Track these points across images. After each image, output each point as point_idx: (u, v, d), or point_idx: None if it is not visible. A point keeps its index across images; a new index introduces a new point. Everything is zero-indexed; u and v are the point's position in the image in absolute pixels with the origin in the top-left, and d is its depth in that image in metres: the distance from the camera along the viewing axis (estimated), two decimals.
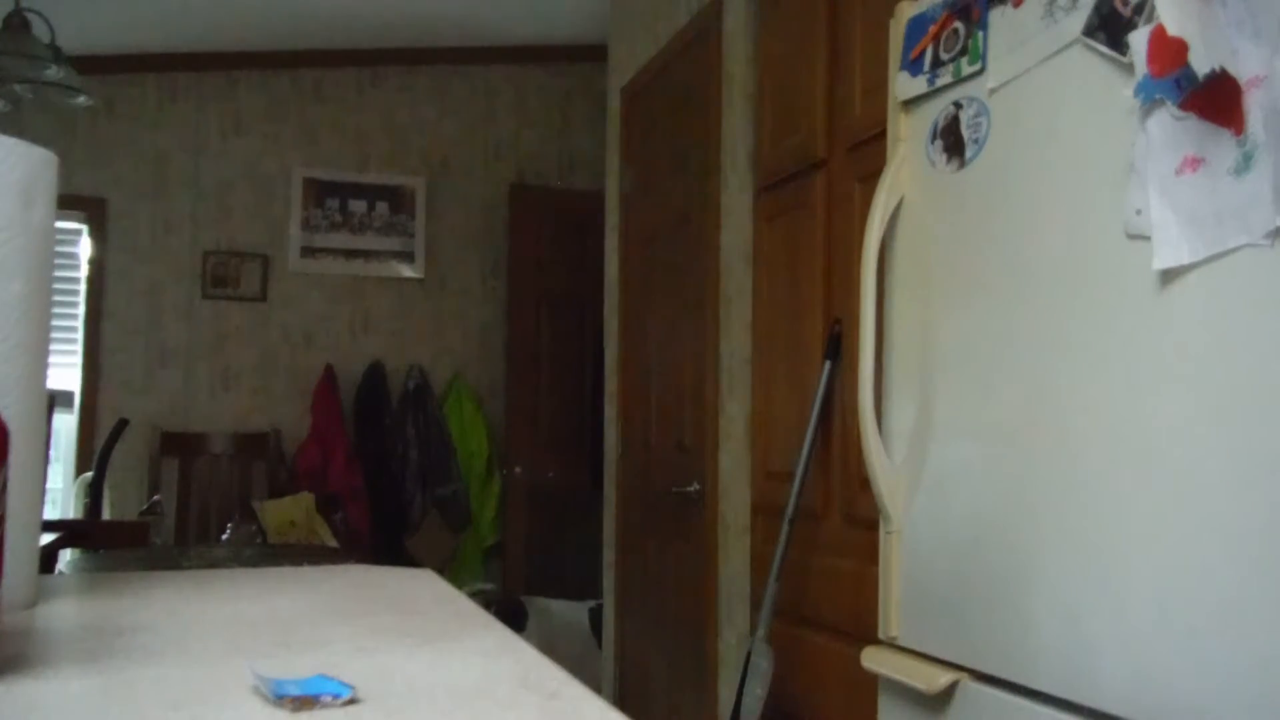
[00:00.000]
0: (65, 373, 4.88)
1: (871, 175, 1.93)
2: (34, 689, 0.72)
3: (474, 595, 4.02)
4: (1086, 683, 1.32)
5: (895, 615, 1.73)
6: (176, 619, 1.00)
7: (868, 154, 2.23)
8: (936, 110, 1.68)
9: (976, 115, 1.58)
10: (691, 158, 3.19)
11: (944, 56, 1.66)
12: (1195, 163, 1.18)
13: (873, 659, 1.76)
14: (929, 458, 1.66)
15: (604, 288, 4.00)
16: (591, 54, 4.80)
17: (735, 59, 2.92)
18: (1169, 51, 1.19)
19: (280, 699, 0.68)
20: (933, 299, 1.67)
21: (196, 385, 5.04)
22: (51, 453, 4.48)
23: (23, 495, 0.97)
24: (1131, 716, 1.25)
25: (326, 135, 5.28)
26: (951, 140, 1.63)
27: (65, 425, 4.84)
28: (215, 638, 0.91)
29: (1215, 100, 1.14)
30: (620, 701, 3.63)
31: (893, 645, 1.74)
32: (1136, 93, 1.25)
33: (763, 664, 2.38)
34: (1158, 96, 1.22)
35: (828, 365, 2.34)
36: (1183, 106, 1.19)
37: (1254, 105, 1.11)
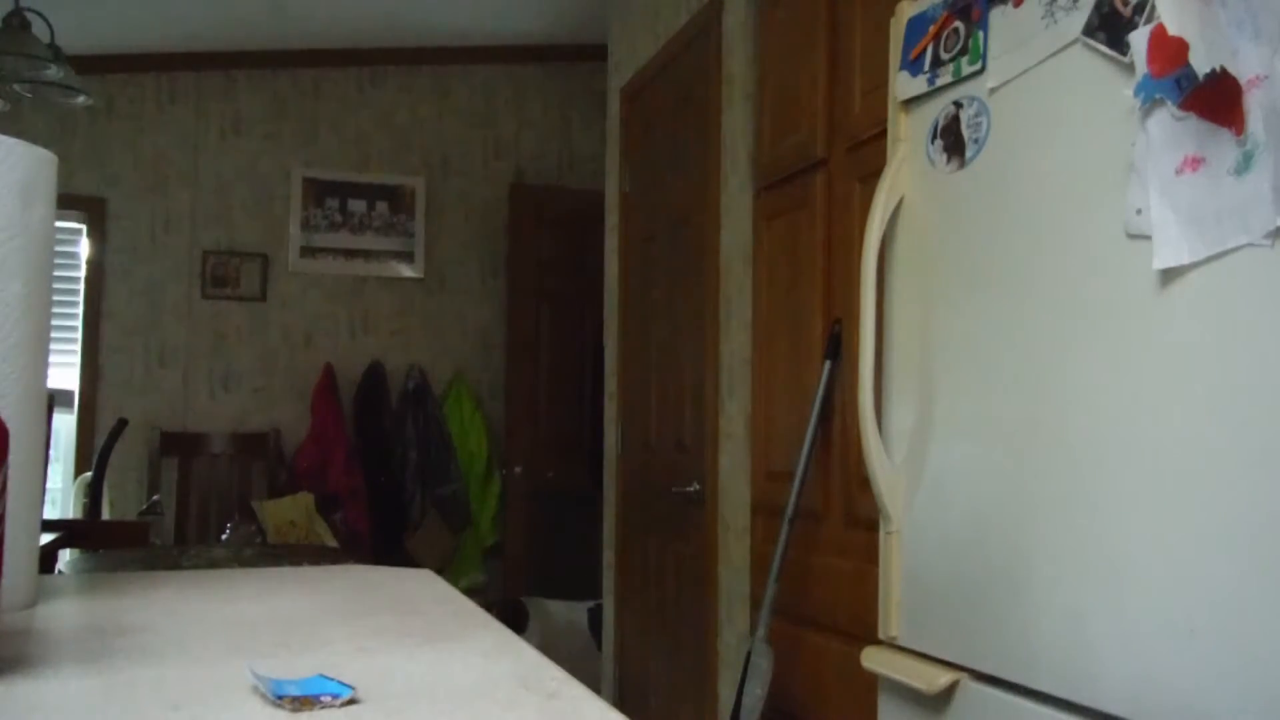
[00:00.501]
0: (65, 373, 4.88)
1: (871, 175, 1.93)
2: (34, 689, 0.72)
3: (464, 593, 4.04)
4: (1086, 683, 1.32)
5: (895, 615, 1.73)
6: (176, 619, 1.00)
7: (868, 154, 2.23)
8: (936, 110, 1.68)
9: (976, 115, 1.58)
10: (691, 158, 3.19)
11: (944, 56, 1.66)
12: (1195, 162, 1.18)
13: (873, 659, 1.76)
14: (929, 458, 1.66)
15: (604, 288, 4.00)
16: (591, 54, 4.80)
17: (735, 59, 2.92)
18: (1169, 51, 1.19)
19: (280, 699, 0.68)
20: (933, 299, 1.67)
21: (196, 385, 5.04)
22: (51, 453, 4.48)
23: (22, 495, 0.97)
24: (1131, 716, 1.24)
25: (326, 135, 5.28)
26: (951, 140, 1.63)
27: (65, 425, 4.84)
28: (215, 638, 0.91)
29: (1215, 100, 1.14)
30: (620, 701, 3.63)
31: (893, 645, 1.74)
32: (1136, 92, 1.25)
33: (763, 664, 2.38)
34: (1158, 96, 1.22)
35: (828, 365, 2.34)
36: (1183, 106, 1.19)
37: (1254, 105, 1.11)
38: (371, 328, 5.29)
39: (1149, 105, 1.24)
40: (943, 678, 1.57)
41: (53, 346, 1.31)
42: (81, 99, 3.58)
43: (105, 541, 3.40)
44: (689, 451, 3.14)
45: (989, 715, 1.49)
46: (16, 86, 3.48)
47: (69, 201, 4.70)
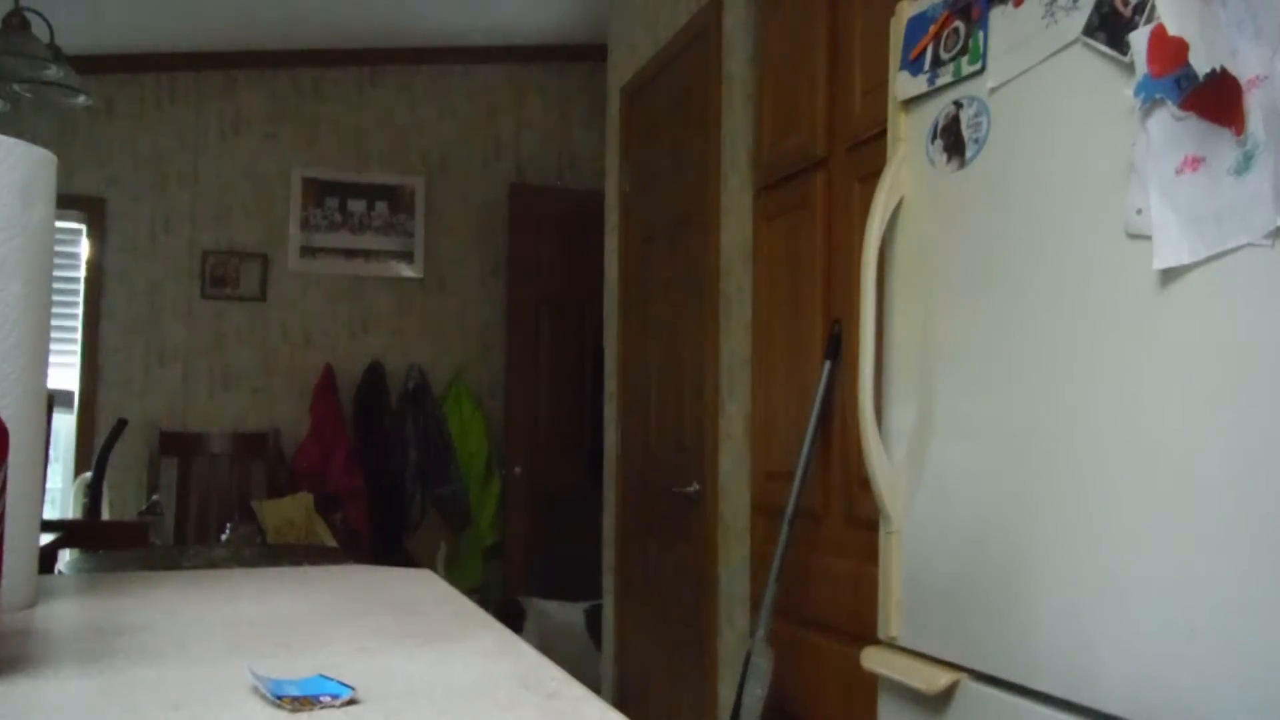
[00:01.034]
0: (65, 373, 4.88)
1: (871, 175, 1.93)
2: (34, 689, 0.72)
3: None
4: (1087, 683, 1.32)
5: (895, 615, 1.73)
6: (176, 619, 1.00)
7: (868, 154, 2.23)
8: (937, 110, 1.68)
9: (977, 115, 1.58)
10: (691, 157, 3.19)
11: (944, 56, 1.66)
12: (1195, 162, 1.18)
13: (873, 659, 1.76)
14: (929, 458, 1.66)
15: (604, 288, 4.00)
16: (591, 54, 4.80)
17: (735, 59, 2.92)
18: (1169, 51, 1.19)
19: (280, 699, 0.68)
20: (933, 299, 1.67)
21: (196, 385, 5.04)
22: (51, 453, 4.48)
23: (22, 495, 0.97)
24: (1131, 716, 1.24)
25: (326, 135, 5.28)
26: (952, 140, 1.63)
27: (65, 425, 4.84)
28: (215, 638, 0.91)
29: (1215, 100, 1.14)
30: (620, 701, 3.63)
31: (893, 645, 1.74)
32: (1137, 92, 1.25)
33: (763, 664, 2.38)
34: (1158, 96, 1.22)
35: (828, 365, 2.34)
36: (1183, 106, 1.19)
37: (1254, 105, 1.11)
38: (371, 328, 5.29)
39: (1149, 105, 1.24)
40: (943, 678, 1.57)
41: (53, 346, 1.32)
42: (81, 99, 3.58)
43: (105, 541, 3.40)
44: (689, 452, 3.14)
45: (989, 715, 1.49)
46: (16, 86, 3.48)
47: (69, 201, 4.70)
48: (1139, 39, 1.25)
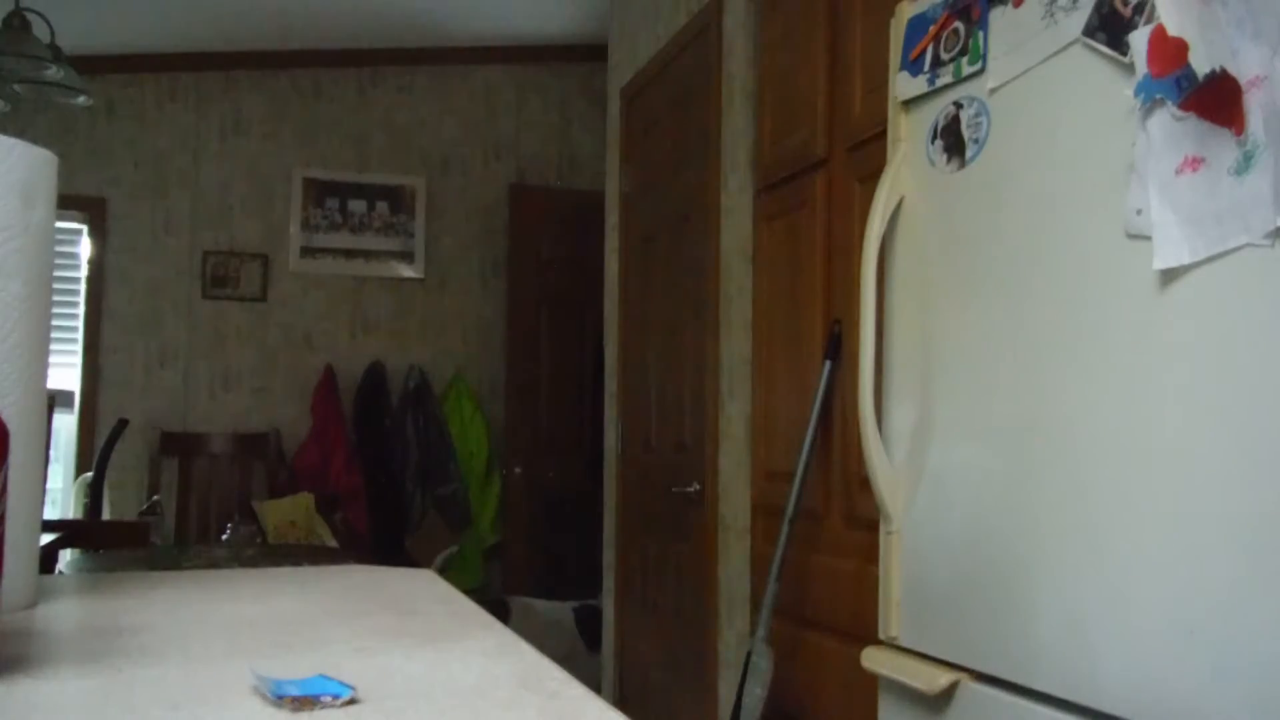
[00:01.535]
0: (65, 373, 4.88)
1: (871, 175, 1.93)
2: (34, 689, 0.72)
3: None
4: (1087, 683, 1.32)
5: (895, 615, 1.73)
6: (176, 619, 1.00)
7: (868, 154, 2.23)
8: (937, 110, 1.68)
9: (977, 115, 1.58)
10: (691, 158, 3.19)
11: (944, 56, 1.66)
12: (1195, 163, 1.18)
13: (873, 659, 1.76)
14: (929, 458, 1.66)
15: (604, 288, 4.00)
16: (591, 54, 4.80)
17: (735, 59, 2.92)
18: (1169, 51, 1.19)
19: (280, 699, 0.68)
20: (933, 299, 1.67)
21: (196, 385, 5.04)
22: (51, 453, 4.48)
23: (23, 495, 0.97)
24: (1131, 716, 1.24)
25: (326, 135, 5.28)
26: (952, 140, 1.63)
27: (65, 425, 4.84)
28: (215, 638, 0.91)
29: (1215, 100, 1.14)
30: (620, 701, 3.63)
31: (893, 645, 1.74)
32: (1137, 93, 1.25)
33: (763, 664, 2.38)
34: (1158, 96, 1.22)
35: (828, 365, 2.34)
36: (1183, 106, 1.19)
37: (1254, 105, 1.11)
38: (371, 328, 5.29)
39: (1149, 105, 1.24)
40: (943, 678, 1.57)
41: (53, 346, 1.32)
42: (81, 99, 3.58)
43: (105, 541, 3.40)
44: (689, 451, 3.14)
45: (989, 715, 1.49)
46: (16, 86, 3.48)
47: (69, 201, 4.70)
48: (1139, 39, 1.25)
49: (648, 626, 3.47)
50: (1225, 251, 1.15)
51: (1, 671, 0.75)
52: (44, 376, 1.05)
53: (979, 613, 1.52)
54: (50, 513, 4.51)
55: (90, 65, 4.23)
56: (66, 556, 3.19)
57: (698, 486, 3.03)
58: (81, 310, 4.93)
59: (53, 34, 3.37)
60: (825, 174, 2.45)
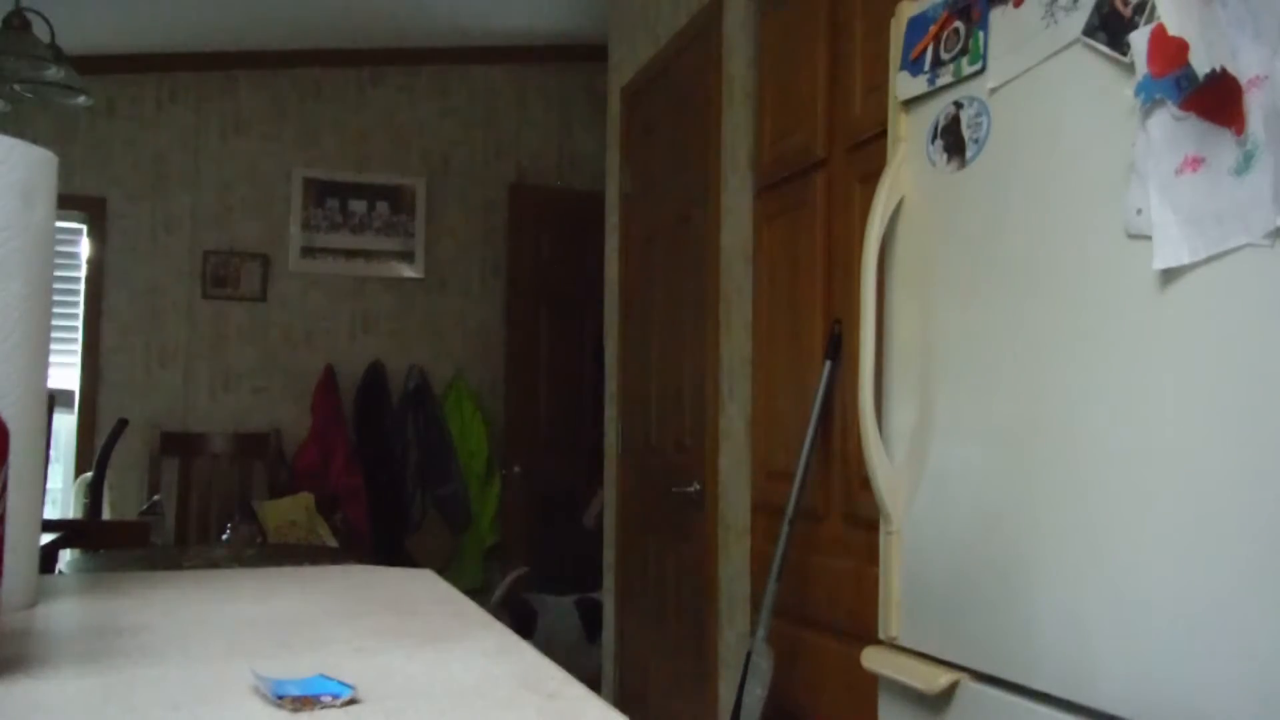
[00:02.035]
0: (65, 373, 4.88)
1: (871, 175, 1.93)
2: (34, 689, 0.72)
3: None
4: (1087, 683, 1.32)
5: (895, 615, 1.73)
6: (176, 619, 1.00)
7: (868, 154, 2.23)
8: (937, 110, 1.68)
9: (977, 115, 1.58)
10: (691, 158, 3.19)
11: (944, 56, 1.66)
12: (1196, 162, 1.18)
13: (873, 659, 1.76)
14: (929, 458, 1.66)
15: (604, 288, 4.00)
16: (591, 54, 4.80)
17: (735, 59, 2.92)
18: (1169, 51, 1.19)
19: (280, 699, 0.68)
20: (933, 299, 1.67)
21: (196, 385, 5.04)
22: (51, 453, 4.48)
23: (23, 495, 0.97)
24: (1131, 716, 1.25)
25: (326, 135, 5.28)
26: (952, 140, 1.63)
27: (65, 425, 4.84)
28: (215, 638, 0.91)
29: (1215, 100, 1.14)
30: (620, 701, 3.63)
31: (893, 645, 1.74)
32: (1137, 92, 1.25)
33: (763, 664, 2.38)
34: (1158, 96, 1.22)
35: (828, 365, 2.34)
36: (1183, 106, 1.19)
37: (1254, 105, 1.11)
38: (371, 328, 5.29)
39: (1149, 105, 1.24)
40: (943, 678, 1.57)
41: (53, 346, 1.32)
42: (81, 99, 3.58)
43: (105, 541, 3.40)
44: (689, 451, 3.14)
45: (989, 715, 1.49)
46: (16, 86, 3.48)
47: (69, 201, 4.70)
48: (1139, 39, 1.25)
49: (648, 626, 3.47)
50: (1225, 251, 1.15)
51: (1, 671, 0.75)
52: (44, 376, 1.05)
53: (979, 612, 1.52)
54: (50, 513, 4.51)
55: (90, 65, 4.23)
56: (66, 556, 3.19)
57: (698, 486, 3.03)
58: (81, 310, 4.93)
59: (53, 34, 3.37)
60: (825, 174, 2.45)
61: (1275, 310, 1.10)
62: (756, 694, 2.37)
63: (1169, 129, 1.21)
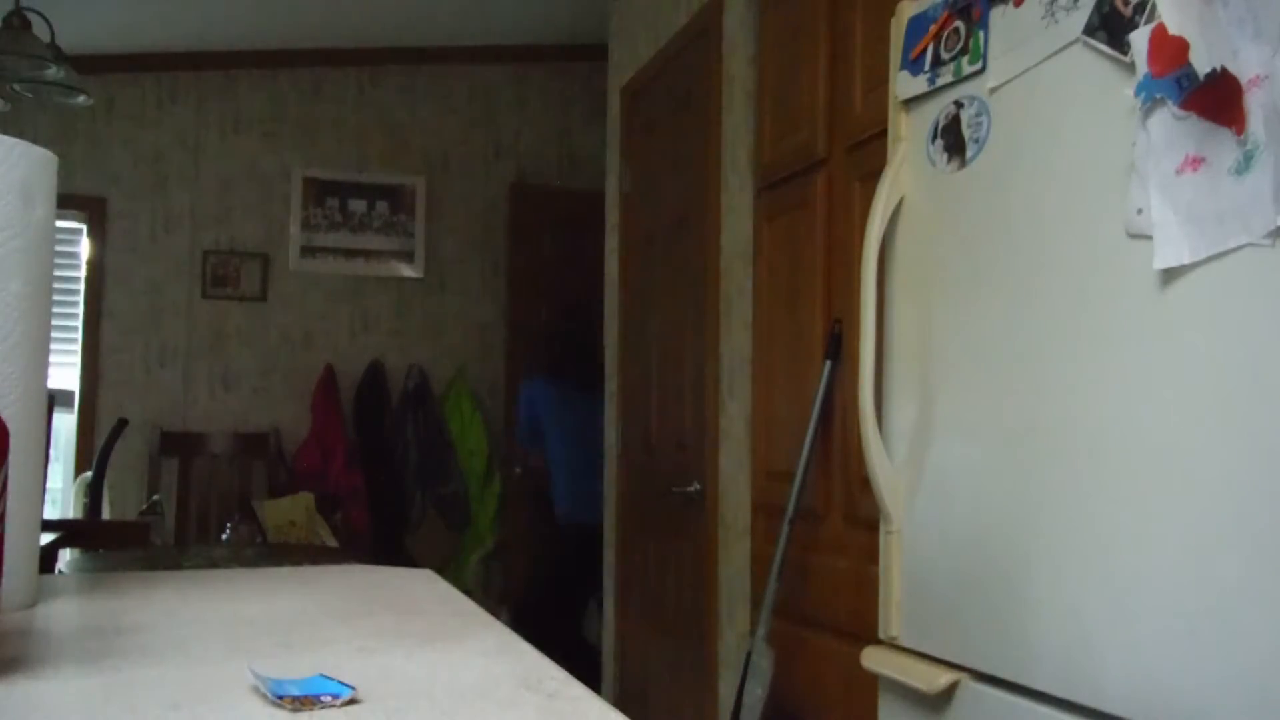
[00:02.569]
0: (65, 372, 4.88)
1: (871, 175, 1.93)
2: (34, 689, 0.72)
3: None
4: (1087, 683, 1.32)
5: (895, 615, 1.73)
6: (176, 619, 1.00)
7: (868, 154, 2.23)
8: (937, 109, 1.68)
9: (977, 115, 1.58)
10: (691, 158, 3.19)
11: (944, 56, 1.66)
12: (1196, 162, 1.18)
13: (873, 659, 1.76)
14: (929, 458, 1.66)
15: (604, 288, 4.00)
16: (591, 54, 4.80)
17: (735, 59, 2.92)
18: (1170, 51, 1.19)
19: (280, 699, 0.68)
20: (933, 299, 1.67)
21: (196, 385, 5.04)
22: (51, 453, 4.48)
23: (23, 495, 0.97)
24: (1131, 716, 1.24)
25: (326, 135, 5.28)
26: (952, 140, 1.63)
27: (65, 425, 4.84)
28: (215, 638, 0.91)
29: (1216, 100, 1.14)
30: (620, 701, 3.63)
31: (893, 645, 1.74)
32: (1137, 92, 1.25)
33: (763, 664, 2.38)
34: (1158, 96, 1.22)
35: (828, 365, 2.34)
36: (1183, 106, 1.19)
37: (1255, 105, 1.11)
38: (371, 328, 5.29)
39: (1149, 105, 1.24)
40: (943, 678, 1.57)
41: (53, 346, 1.31)
42: (81, 99, 3.58)
43: (105, 541, 3.40)
44: (689, 451, 3.14)
45: (989, 715, 1.49)
46: (16, 86, 3.48)
47: (69, 201, 4.70)
48: (1139, 39, 1.25)
49: (648, 626, 3.46)
50: (1225, 251, 1.15)
51: (1, 672, 0.75)
52: (44, 376, 1.05)
53: (979, 612, 1.52)
54: (50, 513, 4.51)
55: (90, 65, 4.23)
56: (66, 556, 3.19)
57: (698, 486, 3.03)
58: (81, 310, 4.93)
59: (53, 34, 3.37)
60: (825, 174, 2.45)
61: (1275, 310, 1.10)
62: (756, 694, 2.37)
63: (1169, 129, 1.21)
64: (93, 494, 3.94)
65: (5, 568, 0.81)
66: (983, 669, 1.52)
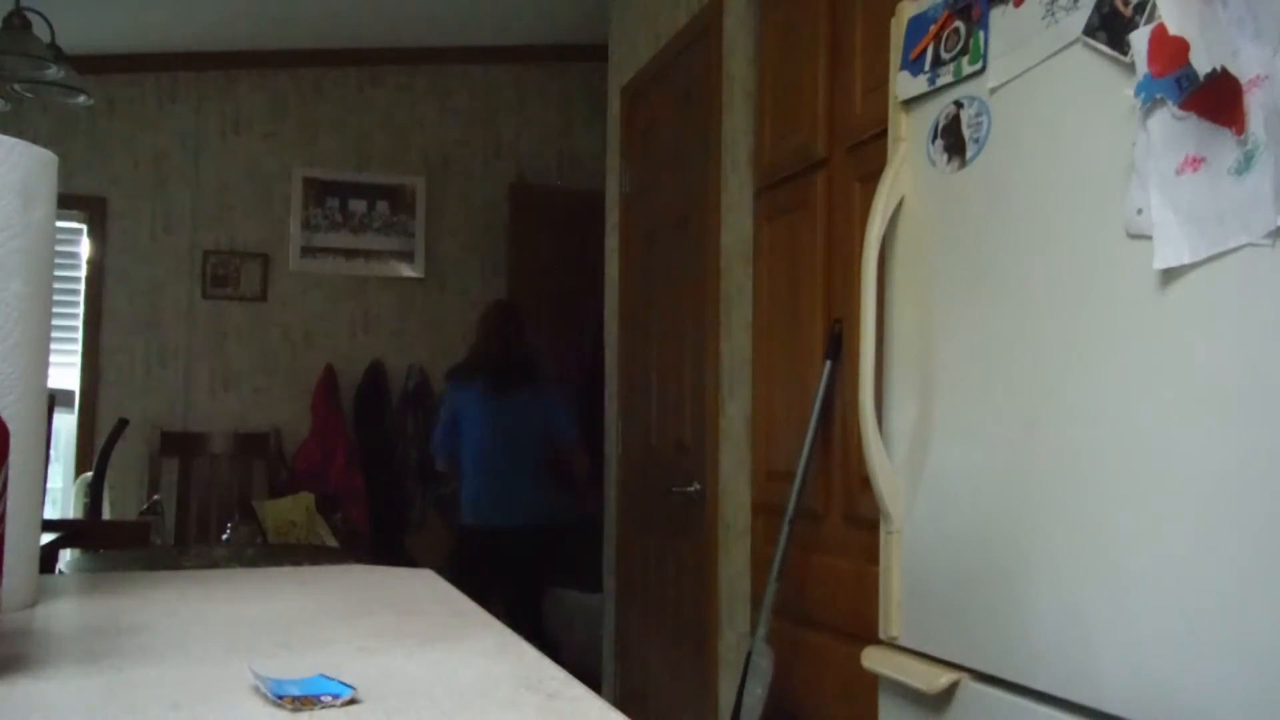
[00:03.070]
0: (65, 372, 4.88)
1: (871, 175, 1.93)
2: (34, 689, 0.72)
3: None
4: (1087, 683, 1.32)
5: (895, 615, 1.73)
6: (176, 619, 1.00)
7: (868, 154, 2.23)
8: (937, 110, 1.68)
9: (977, 115, 1.58)
10: (691, 158, 3.19)
11: (944, 56, 1.66)
12: (1196, 162, 1.18)
13: (873, 659, 1.76)
14: (929, 458, 1.66)
15: (604, 288, 4.00)
16: (591, 54, 4.79)
17: (735, 59, 2.92)
18: (1170, 51, 1.19)
19: (280, 699, 0.68)
20: (933, 299, 1.67)
21: (196, 385, 5.04)
22: (51, 453, 4.47)
23: (23, 495, 0.97)
24: (1132, 716, 1.24)
25: (326, 135, 5.28)
26: (952, 140, 1.63)
27: (65, 425, 4.84)
28: (215, 638, 0.91)
29: (1216, 100, 1.14)
30: (620, 701, 3.63)
31: (893, 645, 1.74)
32: (1137, 92, 1.25)
33: (763, 664, 2.38)
34: (1158, 96, 1.22)
35: (828, 365, 2.34)
36: (1183, 106, 1.19)
37: (1255, 105, 1.11)
38: (371, 328, 5.29)
39: (1149, 105, 1.24)
40: (943, 678, 1.57)
41: (53, 346, 1.31)
42: (81, 99, 3.58)
43: (105, 541, 3.40)
44: (689, 451, 3.14)
45: (989, 715, 1.49)
46: (17, 86, 3.48)
47: (69, 201, 4.70)
48: (1139, 39, 1.25)
49: (648, 626, 3.46)
50: (1225, 251, 1.15)
51: (1, 671, 0.75)
52: (44, 376, 1.05)
53: (979, 612, 1.52)
54: (50, 513, 4.51)
55: (90, 65, 4.23)
56: (66, 556, 3.19)
57: (698, 486, 3.03)
58: (81, 310, 4.93)
59: (53, 34, 3.37)
60: (825, 174, 2.45)
61: (1275, 310, 1.10)
62: (756, 694, 2.37)
63: (1169, 129, 1.21)
64: (93, 494, 3.94)
65: (5, 568, 0.81)
66: (983, 669, 1.52)
